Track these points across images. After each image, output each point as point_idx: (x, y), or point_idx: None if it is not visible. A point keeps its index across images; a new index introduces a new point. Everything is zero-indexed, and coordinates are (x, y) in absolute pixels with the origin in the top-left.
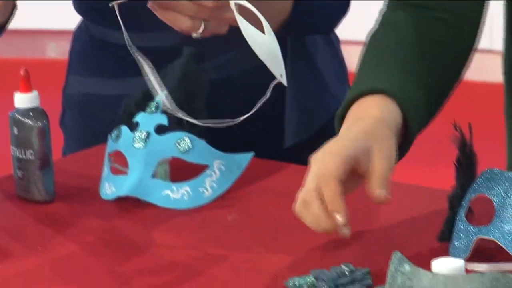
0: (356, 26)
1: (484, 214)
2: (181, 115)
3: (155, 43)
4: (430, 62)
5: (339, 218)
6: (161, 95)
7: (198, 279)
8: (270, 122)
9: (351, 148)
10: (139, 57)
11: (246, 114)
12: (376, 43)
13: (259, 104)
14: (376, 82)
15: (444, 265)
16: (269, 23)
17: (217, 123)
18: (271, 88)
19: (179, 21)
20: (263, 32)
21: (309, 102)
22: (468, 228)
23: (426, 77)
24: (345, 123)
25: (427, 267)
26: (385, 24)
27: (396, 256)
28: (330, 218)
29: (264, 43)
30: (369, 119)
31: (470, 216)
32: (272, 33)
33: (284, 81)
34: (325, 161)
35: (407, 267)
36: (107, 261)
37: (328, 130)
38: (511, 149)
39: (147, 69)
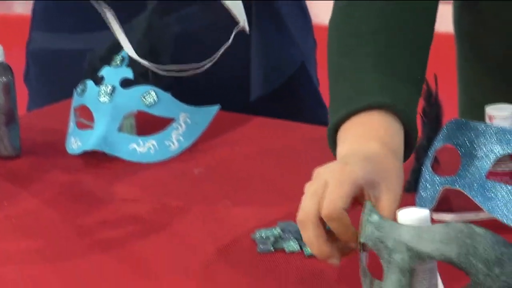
0: None
1: (450, 164)
2: (147, 64)
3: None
4: (411, 49)
5: (336, 261)
6: (121, 38)
7: (162, 232)
8: (235, 74)
9: (359, 177)
10: (103, 8)
11: (212, 70)
12: (350, 33)
13: (222, 49)
14: (374, 93)
15: (410, 215)
16: None
17: (182, 71)
18: (234, 33)
19: None
20: None
21: (274, 53)
22: (434, 178)
23: (415, 71)
24: (347, 141)
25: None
26: (348, 12)
27: (367, 206)
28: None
29: None
30: (375, 144)
31: (436, 166)
32: None
33: (246, 27)
34: (333, 187)
35: (375, 217)
36: (71, 215)
37: (294, 82)
38: (462, 98)
39: (112, 19)
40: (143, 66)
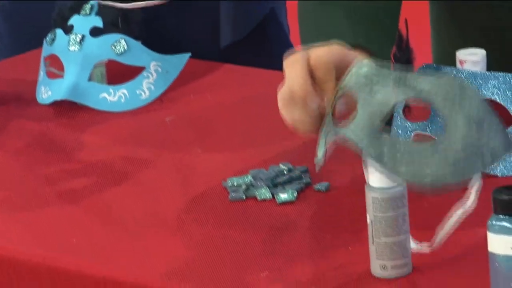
0: None
1: (421, 110)
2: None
3: None
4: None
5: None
6: None
7: (133, 181)
8: (205, 22)
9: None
10: None
11: (181, 10)
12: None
13: None
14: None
15: None
16: None
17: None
18: None
19: None
20: None
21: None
22: (406, 124)
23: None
24: None
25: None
26: None
27: (357, 62)
28: None
29: None
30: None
31: (408, 112)
32: None
33: None
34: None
35: (364, 69)
36: (41, 164)
37: (264, 29)
38: (435, 44)
39: None
40: (112, 14)
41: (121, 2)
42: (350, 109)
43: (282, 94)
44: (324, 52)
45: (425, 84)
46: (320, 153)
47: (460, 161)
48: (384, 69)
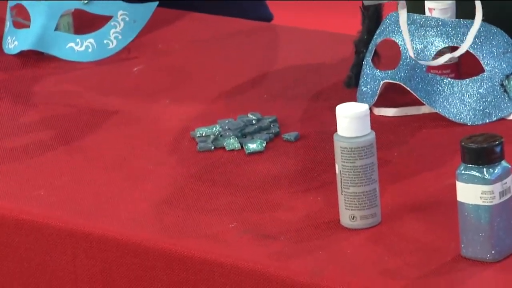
0: None
1: (390, 58)
2: None
3: None
4: None
5: None
6: None
7: (100, 131)
8: None
9: None
10: None
11: None
12: None
13: None
14: None
15: (349, 110)
16: None
17: None
18: None
19: None
20: None
21: None
22: (375, 72)
23: None
24: None
25: (334, 112)
26: None
27: None
28: None
29: None
30: None
31: (377, 61)
32: None
33: None
34: None
35: None
36: (10, 114)
37: None
38: None
39: None
40: None
41: None
42: None
43: None
44: None
45: None
46: None
47: None
48: None
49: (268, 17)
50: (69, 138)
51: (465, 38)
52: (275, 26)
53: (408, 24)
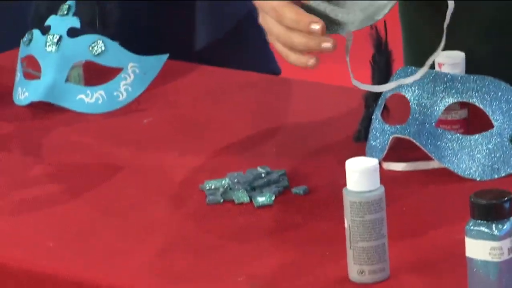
0: None
1: (400, 112)
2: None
3: None
4: None
5: (316, 26)
6: None
7: (110, 183)
8: (182, 23)
9: None
10: None
11: (158, 15)
12: None
13: None
14: None
15: (358, 164)
16: None
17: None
18: None
19: None
20: None
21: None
22: (384, 127)
23: None
24: None
25: (343, 167)
26: None
27: None
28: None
29: None
30: None
31: (386, 115)
32: None
33: None
34: None
35: None
36: (21, 165)
37: (243, 31)
38: (406, 45)
39: None
40: (90, 15)
41: None
42: None
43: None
44: None
45: None
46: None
47: None
48: None
49: (276, 71)
50: (78, 190)
51: (475, 94)
52: (285, 79)
53: (417, 79)
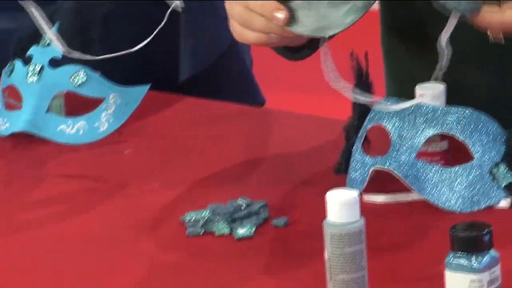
0: None
1: (380, 144)
2: (75, 55)
3: None
4: None
5: (280, 15)
6: (51, 35)
7: (90, 214)
8: (165, 53)
9: None
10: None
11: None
12: None
13: (155, 32)
14: None
15: (338, 196)
16: None
17: (113, 55)
18: (167, 15)
19: None
20: None
21: (203, 32)
22: (365, 158)
23: None
24: None
25: (324, 198)
26: None
27: None
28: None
29: None
30: None
31: (367, 147)
32: None
33: (181, 4)
34: None
35: None
36: (1, 197)
37: (224, 62)
38: (388, 78)
39: (39, 18)
40: (72, 45)
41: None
42: None
43: (237, 17)
44: None
45: None
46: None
47: None
48: None
49: (260, 102)
50: (57, 221)
51: (455, 126)
52: (267, 110)
53: (399, 110)
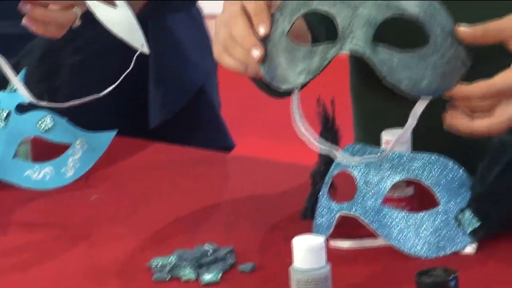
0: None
1: (346, 190)
2: (42, 103)
3: (7, 30)
4: None
5: (262, 30)
6: (17, 83)
7: (57, 260)
8: (134, 99)
9: None
10: None
11: (112, 90)
12: None
13: (122, 76)
14: None
15: (304, 242)
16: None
17: (81, 101)
18: (134, 59)
19: (57, 17)
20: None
21: (172, 78)
22: (331, 204)
23: None
24: None
25: (290, 244)
26: None
27: None
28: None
29: (116, 17)
30: None
31: (333, 192)
32: (125, 5)
33: (145, 49)
34: None
35: None
36: None
37: (193, 106)
38: (357, 124)
39: (5, 66)
40: (39, 91)
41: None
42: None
43: (221, 40)
44: None
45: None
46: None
47: (445, 66)
48: None
49: (229, 146)
50: (24, 267)
51: (421, 172)
52: (236, 156)
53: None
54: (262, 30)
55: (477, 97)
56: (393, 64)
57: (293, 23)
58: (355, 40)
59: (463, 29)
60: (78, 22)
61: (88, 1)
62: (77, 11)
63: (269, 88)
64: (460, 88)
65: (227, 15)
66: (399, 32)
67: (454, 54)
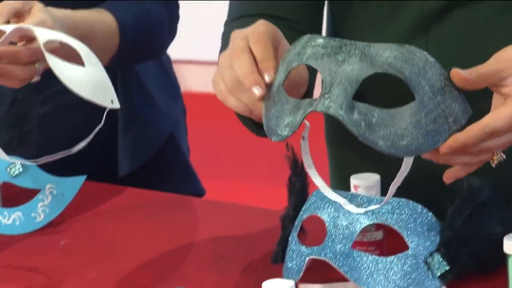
0: (189, 46)
1: (316, 234)
2: (15, 159)
3: None
4: None
5: (267, 78)
6: None
7: None
8: (103, 152)
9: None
10: None
11: (80, 140)
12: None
13: (94, 133)
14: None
15: (275, 286)
16: (99, 58)
17: (52, 157)
18: (105, 114)
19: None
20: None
21: (142, 127)
22: (301, 248)
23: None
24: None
25: None
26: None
27: (304, 37)
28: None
29: (83, 76)
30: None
31: (303, 236)
32: (95, 61)
33: (116, 105)
34: (256, 26)
35: (320, 40)
36: None
37: (163, 153)
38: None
39: None
40: (9, 137)
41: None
42: (297, 81)
43: (227, 81)
44: (261, 32)
45: (388, 54)
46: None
47: (430, 125)
48: (344, 40)
49: (200, 192)
50: None
51: (390, 216)
52: (206, 201)
53: (333, 202)
54: (267, 78)
55: (476, 142)
56: (373, 121)
57: (288, 74)
58: (328, 101)
59: (457, 72)
60: (37, 78)
61: (50, 62)
62: (39, 67)
63: (255, 125)
64: (455, 138)
65: (231, 51)
66: (392, 84)
67: (443, 112)
